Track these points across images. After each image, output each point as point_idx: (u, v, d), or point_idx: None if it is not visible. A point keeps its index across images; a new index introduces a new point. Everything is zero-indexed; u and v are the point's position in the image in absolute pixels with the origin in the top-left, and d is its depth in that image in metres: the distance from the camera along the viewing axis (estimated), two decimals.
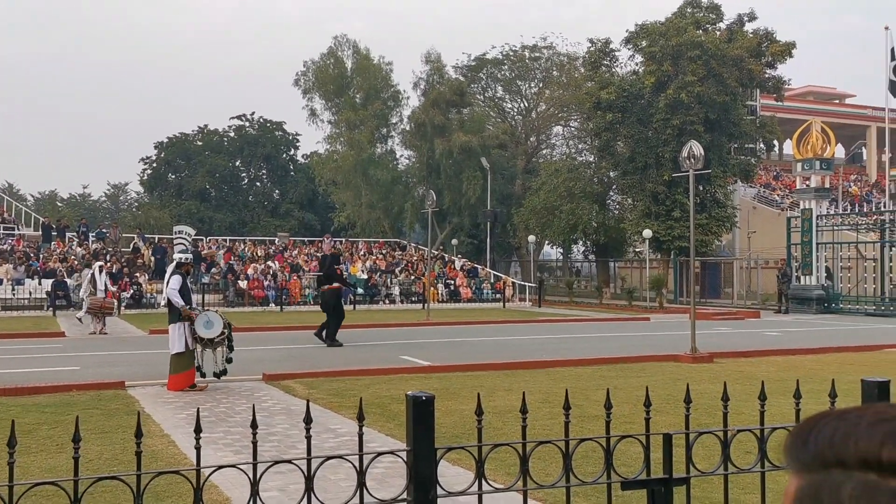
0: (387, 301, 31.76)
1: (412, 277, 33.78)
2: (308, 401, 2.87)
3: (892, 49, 32.99)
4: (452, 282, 33.69)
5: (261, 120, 57.64)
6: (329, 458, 2.67)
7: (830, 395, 3.32)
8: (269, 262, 32.74)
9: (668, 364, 12.99)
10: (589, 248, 44.43)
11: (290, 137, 57.79)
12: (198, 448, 2.57)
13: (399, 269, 34.81)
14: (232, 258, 33.07)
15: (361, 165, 43.38)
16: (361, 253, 37.24)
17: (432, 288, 30.74)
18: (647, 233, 31.24)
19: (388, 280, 33.26)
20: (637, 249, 39.31)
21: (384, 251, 38.20)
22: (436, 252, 38.33)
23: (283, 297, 29.58)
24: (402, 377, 11.64)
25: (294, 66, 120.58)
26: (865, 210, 33.89)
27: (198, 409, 2.80)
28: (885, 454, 0.59)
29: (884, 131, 35.45)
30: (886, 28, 33.34)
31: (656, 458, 2.97)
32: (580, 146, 42.94)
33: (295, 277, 31.72)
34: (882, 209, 31.86)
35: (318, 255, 34.27)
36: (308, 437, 2.69)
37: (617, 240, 39.43)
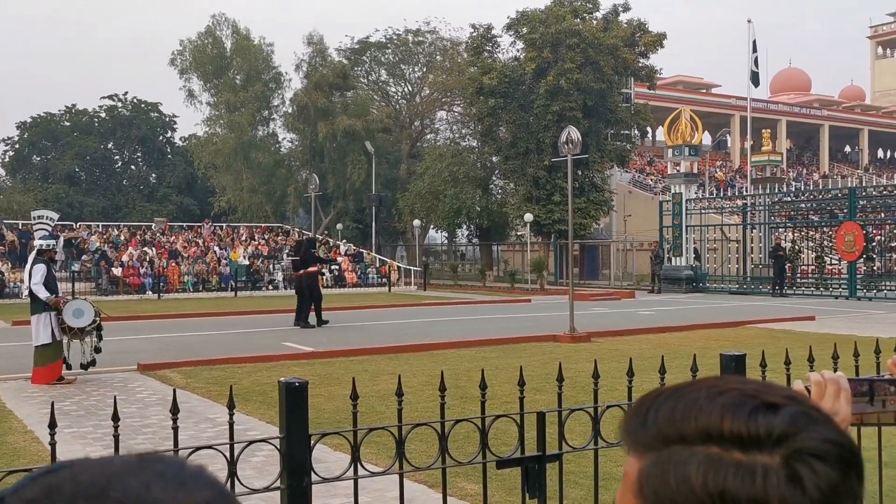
0: (270, 287, 31.13)
1: None
2: (175, 389, 2.76)
3: (754, 42, 34.95)
4: (337, 266, 33.39)
5: (135, 100, 55.08)
6: (198, 448, 2.58)
7: (692, 369, 3.48)
8: (146, 249, 31.43)
9: (547, 344, 13.34)
10: (473, 232, 44.99)
11: (167, 119, 55.55)
12: (53, 444, 2.42)
13: (282, 254, 34.17)
14: (105, 244, 31.52)
15: (242, 148, 42.21)
16: (243, 238, 36.31)
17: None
18: (529, 217, 31.91)
19: (271, 266, 32.59)
20: (519, 233, 40.13)
21: (267, 236, 37.38)
22: (320, 237, 37.87)
23: (161, 284, 28.49)
24: (284, 364, 11.44)
25: (170, 45, 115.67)
26: (729, 194, 35.84)
27: (52, 402, 2.64)
28: (727, 426, 0.60)
29: (746, 120, 37.58)
30: (749, 21, 35.30)
31: (532, 436, 3.03)
32: (464, 131, 43.32)
33: (173, 264, 30.59)
34: (744, 194, 33.79)
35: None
36: (175, 428, 2.58)
37: (500, 224, 40.10)
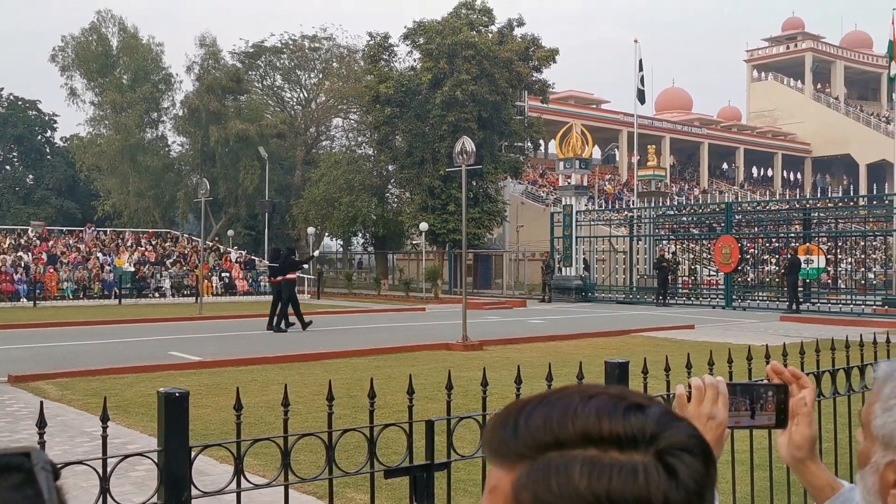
0: (156, 295, 29.99)
1: (184, 270, 32.16)
2: (42, 402, 2.60)
3: (640, 61, 36.42)
4: (228, 274, 32.53)
5: (11, 97, 52.02)
6: (68, 464, 2.43)
7: (578, 376, 3.55)
8: (21, 254, 29.69)
9: (440, 352, 13.40)
10: (368, 240, 44.77)
11: (47, 118, 52.74)
12: None
13: (170, 261, 33.00)
14: None
15: (129, 151, 40.58)
16: (129, 244, 34.85)
17: (206, 280, 29.47)
18: (424, 226, 32.06)
19: (158, 273, 31.41)
20: (414, 242, 40.24)
21: (154, 242, 36.01)
22: (210, 243, 36.79)
23: (37, 291, 26.96)
24: (169, 374, 11.03)
25: (51, 40, 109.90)
26: (617, 207, 37.11)
27: None
28: (605, 427, 0.61)
29: (633, 135, 39.05)
30: (636, 41, 36.75)
31: (421, 445, 3.02)
32: (360, 139, 43.12)
33: (51, 270, 29.01)
34: (631, 207, 35.05)
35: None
36: (41, 443, 2.42)
37: (395, 232, 40.08)
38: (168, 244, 36.23)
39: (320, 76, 46.54)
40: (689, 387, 1.16)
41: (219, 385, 9.94)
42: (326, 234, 43.84)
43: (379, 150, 37.37)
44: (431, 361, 12.18)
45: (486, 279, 37.53)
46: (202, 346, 14.57)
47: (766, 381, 1.26)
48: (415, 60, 36.29)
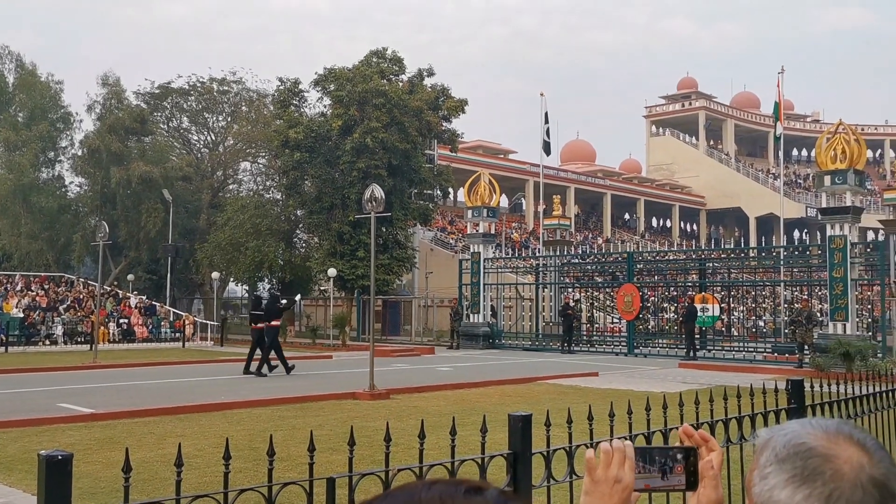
0: (48, 342, 28.48)
1: (79, 315, 30.73)
2: None
3: (546, 114, 37.50)
4: (126, 320, 31.26)
5: None
6: None
7: (482, 430, 3.55)
8: None
9: (347, 402, 13.19)
10: (275, 285, 43.93)
11: None
12: None
13: (64, 306, 31.48)
14: None
15: (22, 191, 38.82)
16: (18, 288, 33.09)
17: (102, 327, 28.23)
18: (332, 271, 31.76)
19: (50, 319, 29.88)
20: (322, 287, 39.78)
21: (46, 286, 34.31)
22: (108, 288, 35.36)
23: None
24: (58, 427, 10.42)
25: None
26: (524, 255, 37.77)
27: None
28: None
29: (539, 185, 39.95)
30: (542, 94, 37.83)
31: (323, 501, 2.93)
32: (268, 183, 42.59)
33: None
34: (537, 255, 35.74)
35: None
36: None
37: (303, 278, 39.51)
38: (62, 288, 34.60)
39: (228, 119, 45.95)
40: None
41: (111, 439, 9.46)
42: (232, 278, 42.82)
43: (287, 195, 36.96)
44: (337, 411, 11.96)
45: (395, 326, 37.35)
46: (95, 396, 13.87)
47: (679, 445, 1.28)
48: (325, 106, 36.30)
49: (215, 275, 36.40)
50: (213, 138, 47.01)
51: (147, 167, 38.80)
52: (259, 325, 18.11)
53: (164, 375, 18.02)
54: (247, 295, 48.92)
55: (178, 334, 31.28)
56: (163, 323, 32.35)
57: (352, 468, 3.18)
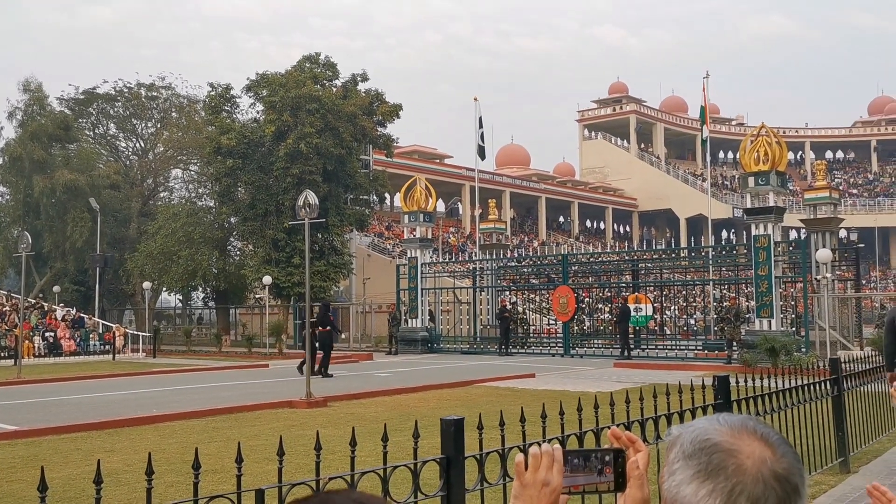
0: None
1: (2, 330, 29.57)
2: None
3: (480, 118, 37.75)
4: (53, 333, 30.22)
5: None
6: None
7: (414, 435, 3.53)
8: None
9: (283, 411, 13.01)
10: (209, 294, 43.21)
11: None
12: None
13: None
14: None
15: None
16: None
17: (27, 341, 27.23)
18: (268, 279, 31.35)
19: None
20: (258, 296, 39.23)
21: None
22: (32, 301, 34.14)
23: None
24: None
25: None
26: (461, 259, 37.91)
27: None
28: None
29: (475, 189, 40.24)
30: (475, 99, 38.05)
31: None
32: (200, 190, 41.85)
33: None
34: (474, 259, 35.90)
35: None
36: None
37: (238, 286, 38.94)
38: None
39: (158, 126, 44.98)
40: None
41: (36, 457, 9.10)
42: (164, 288, 41.89)
43: (220, 202, 36.40)
44: (273, 421, 11.78)
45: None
46: (19, 413, 13.36)
47: (609, 446, 1.32)
48: (258, 112, 35.93)
49: (147, 285, 35.53)
50: (143, 145, 45.95)
51: (72, 175, 37.67)
52: (319, 329, 20.13)
53: (92, 389, 17.49)
54: (180, 305, 47.93)
55: (107, 347, 30.42)
56: (92, 335, 31.39)
57: (281, 478, 3.12)
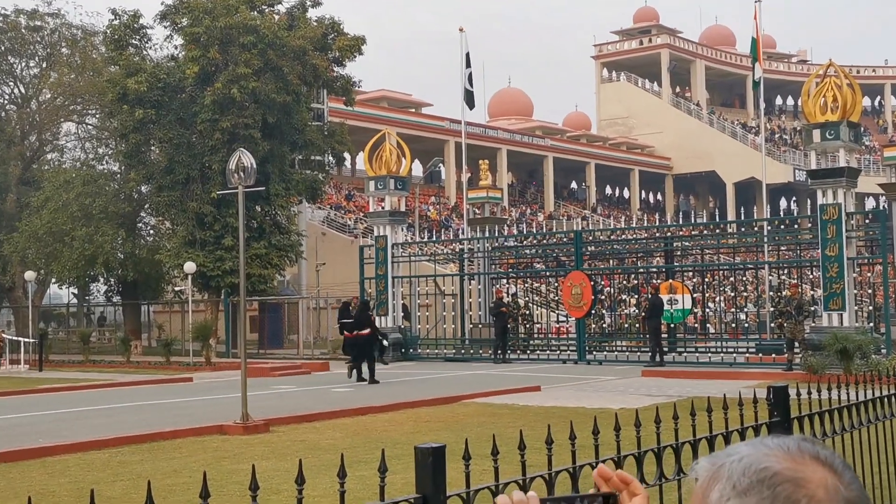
0: None
1: None
2: None
3: (467, 55, 37.60)
4: None
5: None
6: None
7: (380, 469, 3.51)
8: None
9: (212, 438, 13.02)
10: (114, 287, 42.99)
11: None
12: None
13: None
14: None
15: None
16: None
17: None
18: (191, 266, 31.20)
19: None
20: (178, 288, 39.06)
21: None
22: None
23: None
24: None
25: None
26: (444, 238, 37.94)
27: None
28: None
29: (462, 147, 40.10)
30: (461, 30, 37.90)
31: None
32: (101, 150, 41.56)
33: None
34: (461, 237, 35.92)
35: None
36: None
37: (152, 276, 38.76)
38: None
39: (44, 65, 44.55)
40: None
41: None
42: (53, 279, 41.63)
43: (128, 166, 36.20)
44: (199, 451, 11.78)
45: (277, 336, 37.01)
46: None
47: (594, 491, 1.35)
48: (176, 48, 35.68)
49: (30, 275, 35.27)
50: (23, 91, 45.52)
51: None
52: (354, 333, 21.75)
53: None
54: (75, 301, 47.69)
55: None
56: None
57: None
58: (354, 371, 21.92)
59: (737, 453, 1.12)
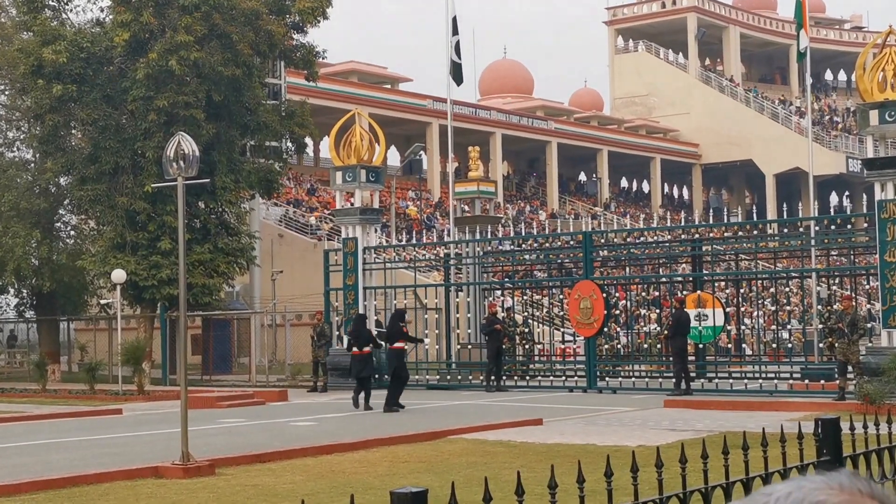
0: None
1: None
2: None
3: (454, 19, 37.60)
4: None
5: None
6: None
7: None
8: None
9: (146, 482, 13.00)
10: (26, 299, 42.87)
11: None
12: None
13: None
14: None
15: None
16: None
17: None
18: (120, 274, 31.09)
19: None
20: (104, 301, 38.92)
21: None
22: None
23: None
24: None
25: None
26: (426, 241, 37.88)
27: None
28: None
29: (448, 130, 39.89)
30: None
31: None
32: (10, 135, 41.40)
33: None
34: (447, 239, 35.89)
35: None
36: None
37: (73, 286, 38.67)
38: None
39: None
40: None
41: None
42: None
43: (44, 153, 36.07)
44: (129, 498, 11.79)
45: (224, 359, 36.90)
46: None
47: None
48: (102, 11, 35.54)
49: None
50: None
51: None
52: (366, 350, 23.14)
53: None
54: None
55: None
56: None
57: None
58: (361, 397, 22.71)
59: (779, 491, 1.13)
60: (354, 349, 23.45)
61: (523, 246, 35.43)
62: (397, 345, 22.76)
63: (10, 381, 34.32)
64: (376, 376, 25.55)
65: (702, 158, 77.20)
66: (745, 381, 26.01)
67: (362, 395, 22.89)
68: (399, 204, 52.75)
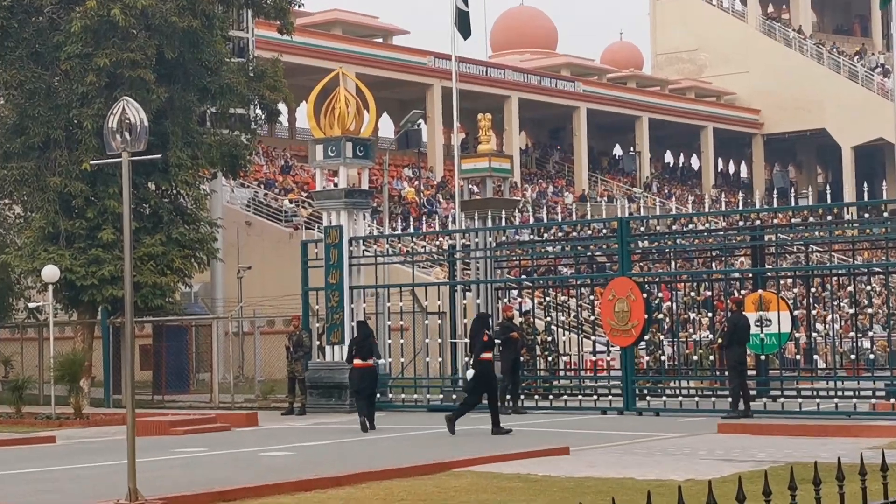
0: None
1: None
2: None
3: None
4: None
5: None
6: None
7: None
8: None
9: None
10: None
11: None
12: None
13: None
14: None
15: None
16: None
17: None
18: (52, 272, 31.10)
19: None
20: (33, 305, 38.96)
21: None
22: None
23: None
24: None
25: None
26: (426, 229, 37.91)
27: None
28: None
29: (452, 94, 39.70)
30: None
31: None
32: None
33: None
34: (452, 228, 35.83)
35: None
36: None
37: None
38: None
39: None
40: None
41: None
42: None
43: None
44: None
45: (181, 375, 36.88)
46: None
47: None
48: None
49: None
50: None
51: None
52: (367, 362, 23.91)
53: None
54: None
55: None
56: None
57: None
58: (367, 420, 23.31)
59: None
60: (356, 360, 23.81)
61: (545, 236, 35.40)
62: (484, 356, 22.88)
63: None
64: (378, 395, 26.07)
65: (763, 128, 77.08)
66: (818, 400, 26.01)
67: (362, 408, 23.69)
68: (393, 184, 52.71)
